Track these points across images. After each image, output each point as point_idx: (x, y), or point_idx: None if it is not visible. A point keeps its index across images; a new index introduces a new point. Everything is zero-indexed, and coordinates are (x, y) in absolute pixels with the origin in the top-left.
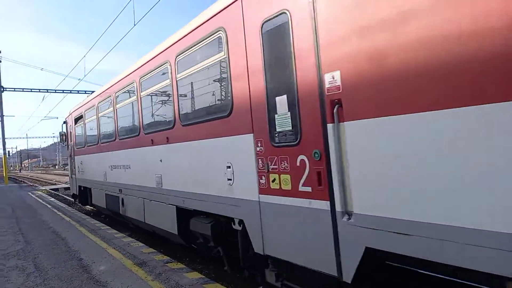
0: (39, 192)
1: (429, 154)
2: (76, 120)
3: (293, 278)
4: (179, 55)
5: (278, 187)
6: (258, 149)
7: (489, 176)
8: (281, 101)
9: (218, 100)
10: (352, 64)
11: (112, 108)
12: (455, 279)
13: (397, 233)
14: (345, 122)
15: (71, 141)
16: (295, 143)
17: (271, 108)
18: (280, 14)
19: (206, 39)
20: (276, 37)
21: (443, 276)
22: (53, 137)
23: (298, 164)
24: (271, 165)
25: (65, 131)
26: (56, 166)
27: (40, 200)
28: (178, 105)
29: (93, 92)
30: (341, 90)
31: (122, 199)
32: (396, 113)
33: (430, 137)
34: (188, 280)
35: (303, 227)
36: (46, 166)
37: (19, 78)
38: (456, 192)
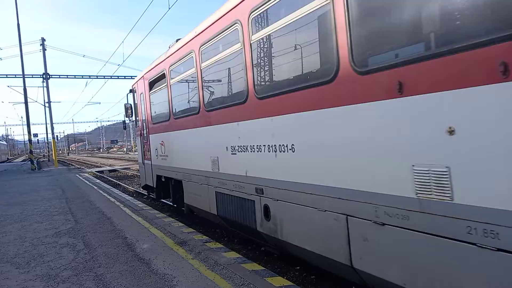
0: (86, 174)
1: None
2: (153, 83)
3: None
4: None
5: None
6: None
7: None
8: None
9: None
10: None
11: (239, 46)
12: None
13: None
14: None
15: (142, 115)
16: None
17: None
18: None
19: None
20: None
21: None
22: (97, 121)
23: None
24: None
25: (131, 102)
26: (100, 150)
27: (87, 182)
28: None
29: (134, 77)
30: None
31: (266, 208)
32: None
33: None
34: (226, 259)
35: None
36: (91, 149)
37: (62, 66)
38: None
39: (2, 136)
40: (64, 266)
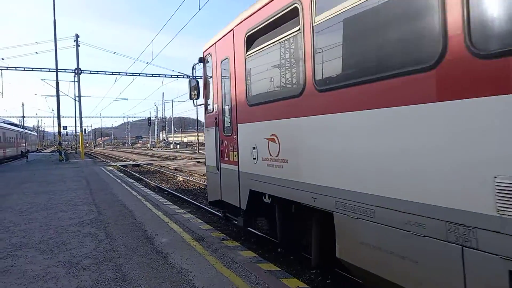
0: (110, 168)
1: None
2: (257, 36)
3: None
4: None
5: None
6: None
7: None
8: None
9: None
10: None
11: None
12: None
13: None
14: None
15: (223, 93)
16: None
17: None
18: None
19: None
20: None
21: None
22: (123, 117)
23: None
24: None
25: (199, 77)
26: (125, 145)
27: (111, 175)
28: None
29: (161, 76)
30: None
31: None
32: None
33: None
34: (242, 258)
35: None
36: (116, 144)
37: (93, 63)
38: None
39: (34, 127)
40: (86, 255)
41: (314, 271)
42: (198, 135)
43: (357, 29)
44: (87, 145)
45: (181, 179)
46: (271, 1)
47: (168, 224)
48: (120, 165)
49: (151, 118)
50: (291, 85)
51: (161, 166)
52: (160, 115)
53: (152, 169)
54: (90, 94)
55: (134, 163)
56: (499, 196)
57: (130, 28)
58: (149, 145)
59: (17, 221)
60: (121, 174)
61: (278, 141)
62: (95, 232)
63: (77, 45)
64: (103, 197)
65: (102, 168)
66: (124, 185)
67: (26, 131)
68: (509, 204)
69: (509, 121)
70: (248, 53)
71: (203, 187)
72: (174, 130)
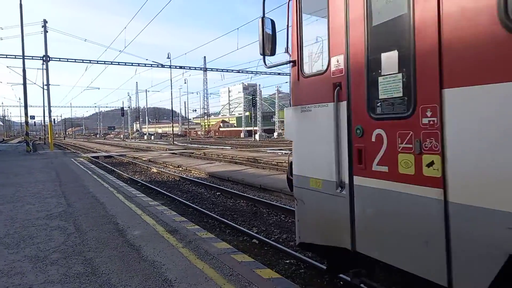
0: (81, 159)
1: None
2: None
3: None
4: None
5: None
6: None
7: None
8: None
9: None
10: None
11: None
12: None
13: None
14: None
15: (364, 33)
16: None
17: None
18: None
19: None
20: None
21: None
22: (95, 107)
23: None
24: None
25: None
26: (97, 135)
27: (82, 167)
28: None
29: (135, 64)
30: None
31: None
32: None
33: None
34: (216, 249)
35: None
36: (88, 134)
37: (63, 50)
38: None
39: None
40: (54, 249)
41: (287, 261)
42: (173, 126)
43: None
44: (56, 135)
45: (155, 170)
46: None
47: (141, 217)
48: (91, 157)
49: (124, 108)
50: None
51: (135, 157)
52: (133, 105)
53: (125, 161)
54: (59, 82)
55: (107, 154)
56: None
57: (101, 13)
58: (122, 136)
59: None
60: (93, 166)
61: None
62: (64, 225)
63: (45, 31)
64: (73, 189)
65: (72, 159)
66: (95, 177)
67: None
68: None
69: None
70: None
71: (177, 179)
72: (148, 120)
